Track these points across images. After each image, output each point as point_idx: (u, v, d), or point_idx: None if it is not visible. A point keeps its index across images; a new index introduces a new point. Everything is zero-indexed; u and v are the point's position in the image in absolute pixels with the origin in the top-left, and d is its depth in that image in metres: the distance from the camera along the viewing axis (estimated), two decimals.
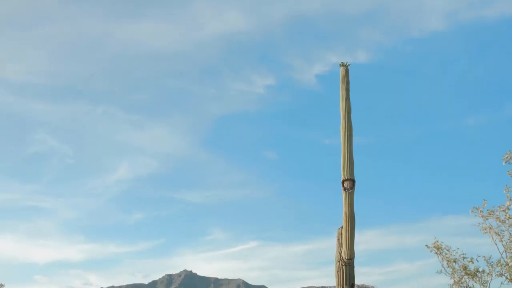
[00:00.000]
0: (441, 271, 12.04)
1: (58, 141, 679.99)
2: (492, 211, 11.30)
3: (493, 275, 11.62)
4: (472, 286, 11.59)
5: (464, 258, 11.81)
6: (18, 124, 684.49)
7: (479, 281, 11.58)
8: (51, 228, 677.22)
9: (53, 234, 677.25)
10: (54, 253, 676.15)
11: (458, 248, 12.00)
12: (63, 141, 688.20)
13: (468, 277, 11.62)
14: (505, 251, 11.11)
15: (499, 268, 11.50)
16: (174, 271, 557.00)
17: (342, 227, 23.20)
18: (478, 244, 11.81)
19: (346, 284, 22.92)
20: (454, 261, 11.88)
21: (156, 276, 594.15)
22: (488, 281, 11.66)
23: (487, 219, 11.30)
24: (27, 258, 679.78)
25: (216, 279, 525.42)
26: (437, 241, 12.23)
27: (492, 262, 11.67)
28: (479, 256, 11.75)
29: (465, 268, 11.74)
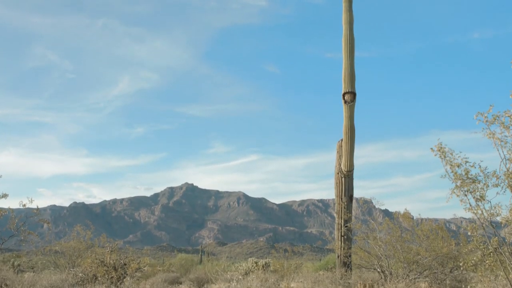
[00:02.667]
0: (445, 176, 12.09)
1: (58, 55, 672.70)
2: (497, 116, 11.20)
3: (489, 185, 11.70)
4: (473, 191, 11.68)
5: (466, 162, 11.85)
6: (17, 38, 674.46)
7: (477, 188, 11.67)
8: (54, 142, 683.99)
9: (55, 148, 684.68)
10: (57, 166, 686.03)
11: (461, 152, 12.01)
12: (63, 56, 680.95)
13: (470, 181, 11.69)
14: (506, 158, 11.12)
15: (495, 178, 11.57)
16: (176, 184, 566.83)
17: (342, 140, 23.42)
18: (478, 159, 11.81)
19: (345, 195, 23.37)
20: (458, 166, 11.92)
21: (158, 189, 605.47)
22: (484, 189, 11.75)
23: (491, 124, 11.22)
24: (30, 171, 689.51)
25: (217, 192, 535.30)
26: (441, 144, 12.22)
27: (488, 172, 11.72)
28: (482, 161, 11.74)
29: (467, 172, 11.80)
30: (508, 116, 10.94)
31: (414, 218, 22.26)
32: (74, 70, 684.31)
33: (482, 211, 11.62)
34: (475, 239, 12.20)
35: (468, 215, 12.01)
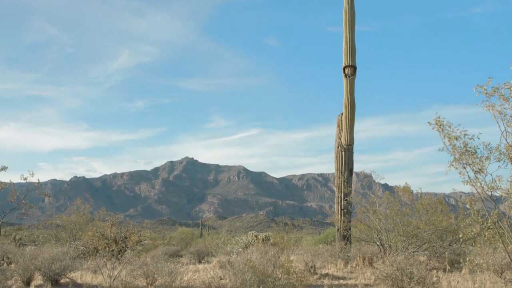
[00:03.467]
0: (442, 149, 12.03)
1: (57, 29, 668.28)
2: (496, 88, 11.09)
3: (491, 159, 11.64)
4: (472, 163, 11.64)
5: (465, 135, 11.77)
6: (15, 12, 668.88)
7: (477, 160, 11.60)
8: (54, 117, 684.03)
9: (56, 122, 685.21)
10: (58, 141, 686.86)
11: (459, 125, 11.92)
12: (62, 30, 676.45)
13: (468, 154, 11.63)
14: (507, 131, 11.04)
15: (498, 153, 11.49)
16: (176, 158, 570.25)
17: (342, 114, 23.37)
18: (478, 133, 11.72)
19: (345, 169, 23.43)
20: (456, 139, 11.84)
21: (158, 163, 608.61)
22: (485, 164, 11.68)
23: (491, 96, 11.11)
24: (31, 146, 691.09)
25: (217, 166, 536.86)
26: (439, 117, 12.12)
27: (491, 147, 11.63)
28: (480, 133, 11.66)
29: (465, 145, 11.74)
30: (508, 88, 10.83)
31: (414, 192, 22.33)
32: (73, 44, 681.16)
33: (481, 184, 11.59)
34: (472, 212, 12.19)
35: (467, 189, 11.98)
